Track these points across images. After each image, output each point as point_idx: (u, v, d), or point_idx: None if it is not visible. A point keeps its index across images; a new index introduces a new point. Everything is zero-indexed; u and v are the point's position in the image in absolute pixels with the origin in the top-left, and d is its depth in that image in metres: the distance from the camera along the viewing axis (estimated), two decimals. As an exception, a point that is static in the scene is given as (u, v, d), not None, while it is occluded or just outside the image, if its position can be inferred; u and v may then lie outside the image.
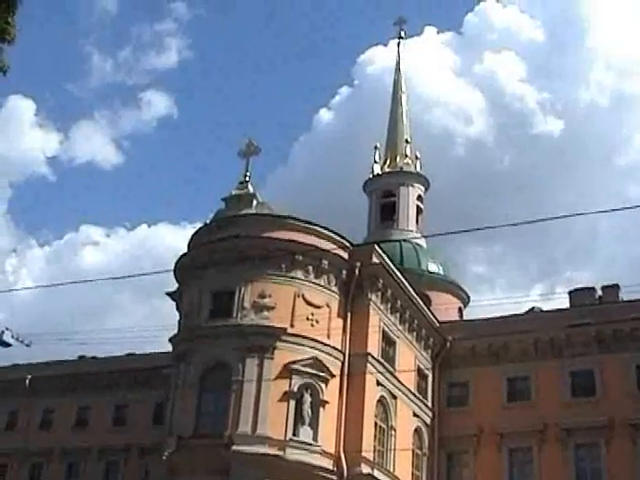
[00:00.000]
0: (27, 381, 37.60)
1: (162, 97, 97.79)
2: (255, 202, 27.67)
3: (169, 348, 27.50)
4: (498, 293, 64.09)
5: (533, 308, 32.37)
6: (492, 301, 38.21)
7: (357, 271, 26.90)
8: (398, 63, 48.63)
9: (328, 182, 62.87)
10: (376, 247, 28.11)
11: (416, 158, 45.10)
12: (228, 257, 26.28)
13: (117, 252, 73.65)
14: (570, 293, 31.88)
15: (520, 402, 29.66)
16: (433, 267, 39.94)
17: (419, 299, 30.87)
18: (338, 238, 27.32)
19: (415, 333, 30.65)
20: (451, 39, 79.37)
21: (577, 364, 29.17)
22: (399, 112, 46.55)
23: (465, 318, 38.51)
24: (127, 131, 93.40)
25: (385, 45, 70.06)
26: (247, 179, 28.42)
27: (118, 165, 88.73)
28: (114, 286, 64.25)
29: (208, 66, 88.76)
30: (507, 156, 70.25)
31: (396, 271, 29.17)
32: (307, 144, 76.55)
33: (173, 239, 69.48)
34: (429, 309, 32.05)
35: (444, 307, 35.22)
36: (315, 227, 27.01)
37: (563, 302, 31.79)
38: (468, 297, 41.09)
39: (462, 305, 40.53)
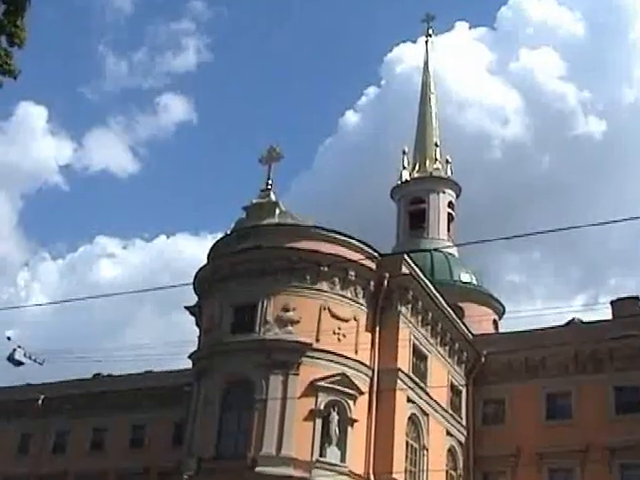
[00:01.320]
0: (40, 401, 38.08)
1: (180, 101, 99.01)
2: (277, 211, 28.08)
3: (189, 365, 27.96)
4: (537, 304, 64.03)
5: (573, 319, 32.38)
6: (529, 312, 38.30)
7: (386, 282, 27.20)
8: (426, 62, 49.01)
9: (354, 189, 63.44)
10: (405, 257, 28.39)
11: (447, 162, 45.39)
12: (250, 269, 26.71)
13: (134, 265, 74.70)
14: (612, 303, 31.88)
15: (560, 420, 29.71)
16: (466, 277, 40.13)
17: (451, 311, 31.07)
18: (365, 248, 27.63)
19: (447, 347, 30.84)
20: (484, 35, 79.59)
21: (621, 379, 29.14)
22: (428, 114, 46.89)
23: (500, 330, 38.64)
24: (144, 137, 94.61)
25: (414, 42, 70.64)
26: (269, 186, 28.85)
27: (134, 173, 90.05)
28: (131, 301, 65.23)
29: (228, 67, 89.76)
30: (545, 159, 70.23)
31: (427, 282, 29.43)
32: (332, 148, 77.25)
33: (193, 250, 70.36)
34: (462, 321, 32.22)
35: (478, 319, 35.40)
36: (341, 236, 27.35)
37: (606, 313, 31.87)
38: (503, 308, 41.21)
39: (497, 317, 40.64)
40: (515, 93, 71.71)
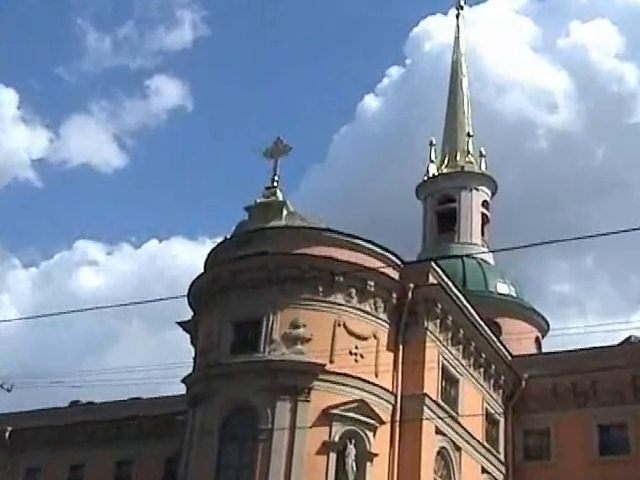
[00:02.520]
0: (7, 434, 38.43)
1: (173, 84, 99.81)
2: (285, 212, 28.50)
3: (182, 390, 28.36)
4: (588, 319, 63.92)
5: (630, 337, 32.53)
6: (578, 329, 38.44)
7: (410, 294, 27.53)
8: (457, 39, 49.42)
9: (374, 186, 63.93)
10: (433, 264, 28.73)
11: (481, 155, 45.77)
12: (253, 279, 27.12)
13: (120, 273, 75.41)
14: (676, 319, 32.14)
15: (615, 455, 29.91)
16: (503, 288, 40.45)
17: (486, 328, 31.40)
18: (386, 254, 27.99)
19: (482, 369, 31.18)
20: (527, 6, 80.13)
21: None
22: (460, 99, 47.36)
23: (544, 350, 38.91)
24: (131, 126, 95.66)
25: (445, 14, 70.95)
26: (275, 184, 29.28)
27: (120, 168, 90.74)
28: (117, 315, 65.75)
29: (229, 44, 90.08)
30: (599, 150, 70.27)
31: (458, 293, 29.78)
32: (348, 138, 77.70)
33: (189, 257, 71.26)
34: (499, 340, 32.53)
35: (518, 337, 35.66)
36: (358, 241, 27.72)
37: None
38: (548, 324, 41.47)
39: (540, 334, 40.90)
40: (564, 74, 72.03)
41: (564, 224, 59.39)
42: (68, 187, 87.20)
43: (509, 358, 32.44)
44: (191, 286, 28.84)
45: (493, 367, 31.59)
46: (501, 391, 32.24)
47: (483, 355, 30.99)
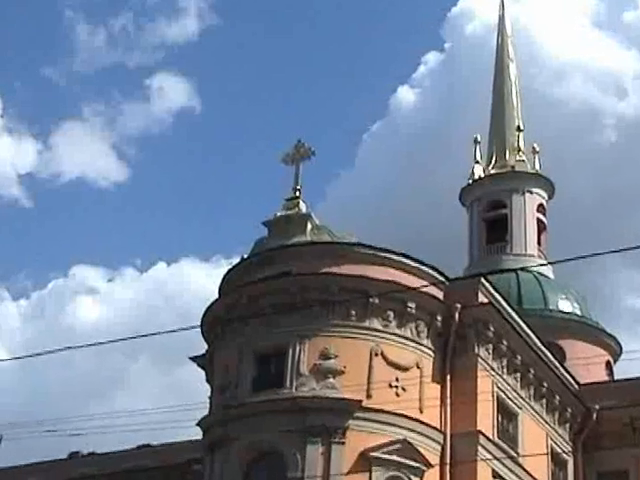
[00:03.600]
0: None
1: (179, 83, 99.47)
2: (310, 226, 28.70)
3: (198, 435, 28.59)
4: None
5: None
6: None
7: (457, 316, 27.60)
8: (502, 18, 49.54)
9: (410, 192, 64.17)
10: (482, 281, 28.83)
11: (534, 152, 45.77)
12: (276, 304, 27.27)
13: (124, 302, 75.58)
14: None
15: None
16: (566, 305, 40.35)
17: (548, 352, 31.37)
18: (429, 270, 28.11)
19: (545, 401, 31.14)
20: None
21: None
22: (507, 88, 47.39)
23: (617, 377, 38.70)
24: (132, 133, 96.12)
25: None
26: (297, 194, 29.53)
27: (121, 181, 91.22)
28: (120, 351, 65.67)
29: (241, 35, 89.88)
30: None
31: (513, 313, 29.83)
32: (380, 139, 77.74)
33: (202, 281, 70.77)
34: (563, 366, 32.48)
35: (585, 362, 35.49)
36: (395, 257, 27.85)
37: None
38: (620, 346, 41.25)
39: (611, 358, 40.70)
40: (633, 53, 71.52)
41: (637, 229, 59.06)
42: (61, 205, 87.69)
43: (576, 387, 32.36)
44: (205, 315, 29.05)
45: (557, 398, 31.53)
46: (568, 426, 32.17)
47: (545, 384, 30.92)
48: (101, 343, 21.77)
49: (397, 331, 27.23)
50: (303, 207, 29.32)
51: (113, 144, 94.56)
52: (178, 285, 74.44)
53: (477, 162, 45.73)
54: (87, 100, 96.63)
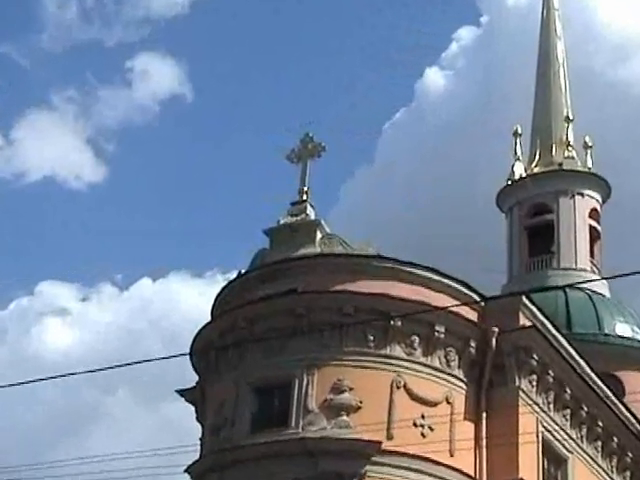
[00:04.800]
0: None
1: (166, 65, 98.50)
2: (319, 234, 28.77)
3: (188, 482, 28.65)
4: None
5: None
6: None
7: (494, 342, 27.60)
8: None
9: (439, 193, 63.83)
10: (524, 300, 28.75)
11: (586, 147, 45.72)
12: (279, 327, 27.30)
13: (101, 326, 74.86)
14: None
15: None
16: (624, 329, 40.21)
17: (603, 385, 31.31)
18: (460, 288, 28.16)
19: (600, 443, 31.10)
20: None
21: None
22: (553, 70, 47.34)
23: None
24: (110, 125, 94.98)
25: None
26: (304, 197, 29.64)
27: (97, 182, 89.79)
28: (96, 384, 65.42)
29: (240, 7, 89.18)
30: None
31: (561, 339, 29.79)
32: (403, 130, 77.47)
33: (193, 300, 69.67)
34: (622, 401, 32.39)
35: (647, 397, 35.48)
36: (421, 271, 27.91)
37: None
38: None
39: (679, 393, 40.55)
40: None
41: None
42: (25, 210, 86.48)
43: (637, 427, 32.27)
44: (195, 340, 29.09)
45: (615, 440, 31.48)
46: (628, 473, 32.15)
47: (600, 423, 30.87)
48: (73, 374, 21.84)
49: (423, 360, 27.24)
50: (311, 212, 29.41)
51: (88, 138, 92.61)
52: (165, 305, 74.27)
53: (518, 159, 45.66)
54: (56, 85, 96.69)
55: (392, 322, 26.80)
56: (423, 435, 26.43)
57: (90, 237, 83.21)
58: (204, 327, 29.06)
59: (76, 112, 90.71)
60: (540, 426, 28.29)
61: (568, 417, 29.79)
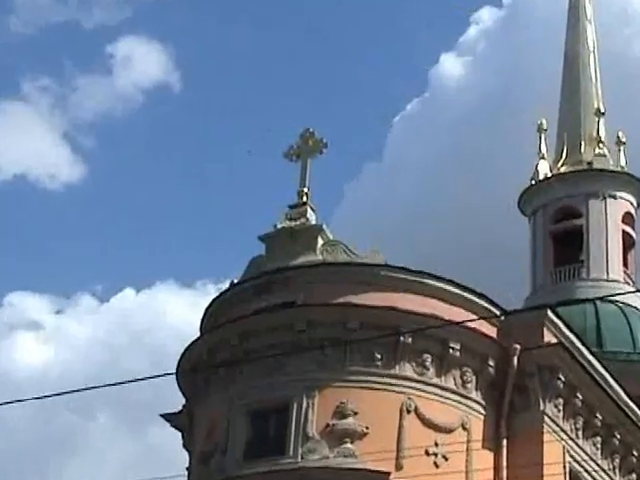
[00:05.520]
0: None
1: (151, 51, 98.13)
2: (321, 241, 28.82)
3: (175, 517, 28.69)
4: None
5: None
6: None
7: (516, 361, 27.62)
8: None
9: (455, 194, 63.76)
10: (550, 314, 28.80)
11: (619, 143, 45.63)
12: (276, 344, 27.31)
13: (78, 341, 75.26)
14: None
15: None
16: (661, 347, 40.16)
17: (638, 409, 31.31)
18: (478, 300, 28.25)
19: (634, 476, 31.17)
20: None
21: None
22: (583, 56, 47.31)
23: None
24: (88, 118, 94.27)
25: None
26: (304, 199, 29.70)
27: (74, 182, 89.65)
28: (73, 407, 65.36)
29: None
30: None
31: (590, 358, 29.81)
32: (416, 122, 77.45)
33: (182, 313, 69.94)
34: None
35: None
36: (434, 282, 27.96)
37: None
38: None
39: None
40: None
41: None
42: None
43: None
44: (182, 358, 29.12)
45: (652, 471, 31.58)
46: (665, 508, 32.16)
47: (634, 453, 30.91)
48: (47, 396, 21.88)
49: (436, 381, 27.28)
50: (312, 216, 29.48)
51: (64, 132, 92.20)
52: (150, 319, 74.35)
53: (542, 157, 45.59)
54: (28, 73, 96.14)
55: (402, 338, 26.82)
56: (436, 465, 26.46)
57: (66, 243, 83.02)
58: (192, 343, 29.05)
59: (50, 103, 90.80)
60: (567, 456, 28.32)
61: (599, 446, 29.81)
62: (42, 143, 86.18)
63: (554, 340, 28.42)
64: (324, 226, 29.26)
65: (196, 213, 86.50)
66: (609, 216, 43.77)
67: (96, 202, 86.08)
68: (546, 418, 27.77)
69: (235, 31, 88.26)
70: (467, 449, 26.94)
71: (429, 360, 27.25)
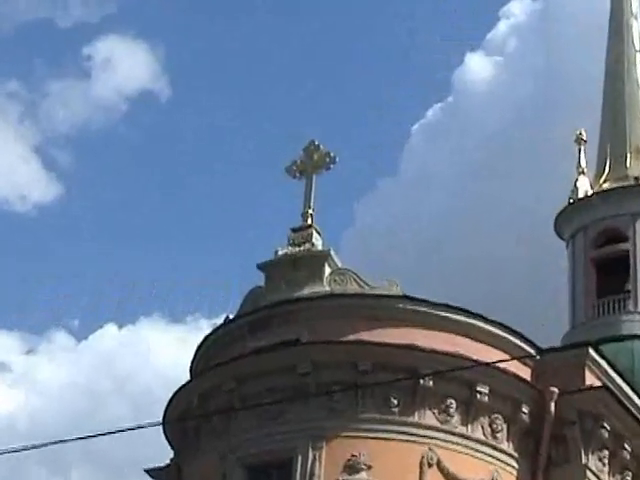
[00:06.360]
0: None
1: (135, 54, 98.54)
2: (328, 269, 28.88)
3: None
4: None
5: None
6: None
7: (553, 406, 27.63)
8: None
9: (481, 214, 63.72)
10: (592, 353, 28.80)
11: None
12: (276, 388, 27.32)
13: (51, 384, 75.28)
14: None
15: None
16: None
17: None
18: (510, 337, 28.27)
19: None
20: None
21: None
22: (628, 57, 47.34)
23: None
24: (64, 129, 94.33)
25: None
26: (309, 221, 29.81)
27: (48, 203, 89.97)
28: (44, 460, 65.45)
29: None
30: None
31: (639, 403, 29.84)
32: (437, 130, 77.35)
33: (170, 352, 69.80)
34: None
35: None
36: (459, 317, 28.02)
37: None
38: None
39: None
40: None
41: None
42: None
43: None
44: (170, 404, 29.19)
45: None
46: None
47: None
48: (16, 451, 21.86)
49: (462, 429, 27.28)
50: (318, 241, 29.57)
51: (35, 145, 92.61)
52: (134, 359, 74.45)
53: (582, 172, 45.55)
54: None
55: (422, 381, 26.81)
56: (463, 527, 26.64)
57: (37, 271, 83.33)
58: (182, 388, 29.08)
59: (20, 112, 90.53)
60: (613, 516, 28.44)
61: (649, 504, 29.84)
62: (9, 158, 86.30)
63: (597, 383, 28.42)
64: (332, 252, 29.29)
65: (185, 237, 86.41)
66: (659, 241, 43.76)
67: (72, 226, 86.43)
68: (589, 473, 27.75)
69: (233, 30, 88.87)
70: (498, 509, 27.05)
71: (453, 406, 27.21)
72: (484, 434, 27.47)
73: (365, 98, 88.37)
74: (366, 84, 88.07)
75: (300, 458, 26.70)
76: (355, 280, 28.70)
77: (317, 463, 26.59)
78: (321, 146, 30.29)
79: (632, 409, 29.13)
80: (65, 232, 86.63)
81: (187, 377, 29.73)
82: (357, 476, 26.36)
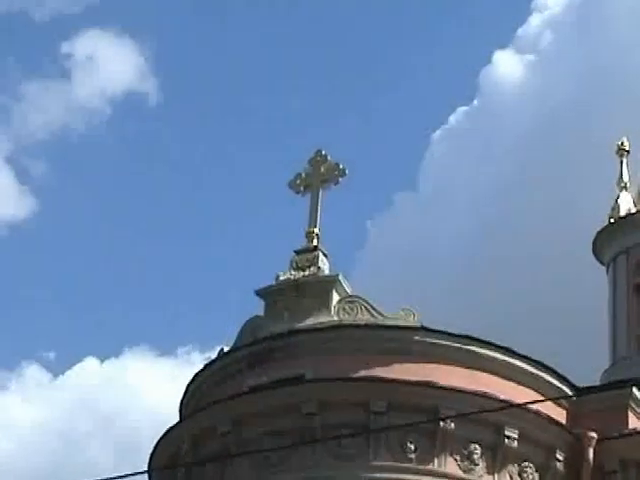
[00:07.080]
0: None
1: (120, 52, 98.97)
2: (336, 296, 28.92)
3: None
4: None
5: None
6: None
7: (592, 453, 27.65)
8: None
9: (512, 234, 63.70)
10: (636, 393, 28.87)
11: None
12: (278, 432, 27.36)
13: (25, 425, 75.34)
14: None
15: None
16: None
17: None
18: (543, 375, 28.36)
19: None
20: None
21: None
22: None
23: None
24: (39, 137, 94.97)
25: None
26: (315, 242, 29.90)
27: (21, 220, 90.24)
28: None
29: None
30: None
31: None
32: (462, 137, 77.08)
33: (159, 388, 70.27)
34: None
35: None
36: (484, 351, 28.07)
37: None
38: None
39: None
40: None
41: None
42: None
43: None
44: (156, 449, 29.29)
45: None
46: None
47: None
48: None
49: (487, 479, 27.31)
50: (325, 264, 29.61)
51: (8, 156, 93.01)
52: (118, 396, 74.31)
53: (624, 187, 45.56)
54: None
55: (442, 424, 26.81)
56: None
57: (10, 299, 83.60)
58: (171, 430, 29.13)
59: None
60: None
61: None
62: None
63: (642, 427, 28.43)
64: (340, 277, 29.31)
65: (176, 260, 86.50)
66: None
67: (48, 246, 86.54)
68: (631, 529, 27.80)
69: (231, 26, 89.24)
70: None
71: (478, 452, 27.22)
72: (512, 481, 27.51)
73: (378, 101, 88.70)
74: (380, 85, 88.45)
75: (304, 511, 26.80)
76: (367, 309, 28.71)
77: (323, 517, 26.71)
78: (329, 156, 30.35)
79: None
80: (40, 252, 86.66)
81: (177, 418, 29.67)
82: (370, 532, 26.52)
